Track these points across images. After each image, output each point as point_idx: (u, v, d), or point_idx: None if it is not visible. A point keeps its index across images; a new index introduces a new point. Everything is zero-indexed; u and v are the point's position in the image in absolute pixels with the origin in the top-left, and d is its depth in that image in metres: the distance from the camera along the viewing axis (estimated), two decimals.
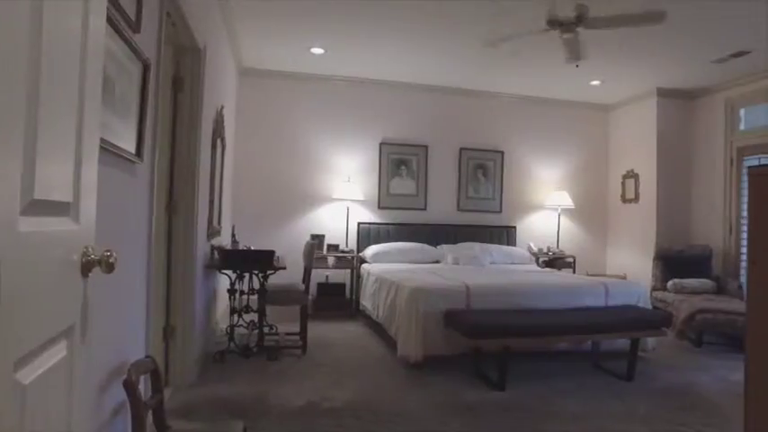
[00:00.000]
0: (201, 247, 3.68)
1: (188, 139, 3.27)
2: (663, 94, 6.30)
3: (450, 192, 6.66)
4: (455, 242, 6.34)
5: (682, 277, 5.59)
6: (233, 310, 3.96)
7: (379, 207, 6.41)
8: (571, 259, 6.59)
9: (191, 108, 3.28)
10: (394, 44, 5.20)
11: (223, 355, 3.87)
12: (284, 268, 3.94)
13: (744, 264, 5.74)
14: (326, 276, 6.06)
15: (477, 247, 6.13)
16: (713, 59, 5.25)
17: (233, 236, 4.24)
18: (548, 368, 3.93)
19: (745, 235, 5.74)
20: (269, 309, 4.12)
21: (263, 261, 3.87)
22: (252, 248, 4.53)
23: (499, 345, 3.34)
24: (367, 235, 6.25)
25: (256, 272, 4.04)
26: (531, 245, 6.62)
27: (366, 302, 5.37)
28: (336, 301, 5.83)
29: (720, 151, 6.06)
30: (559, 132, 7.05)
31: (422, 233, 6.38)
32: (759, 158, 5.66)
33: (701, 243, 6.08)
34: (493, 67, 5.81)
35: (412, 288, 3.89)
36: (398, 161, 6.47)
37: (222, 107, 4.33)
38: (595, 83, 6.16)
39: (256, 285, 4.04)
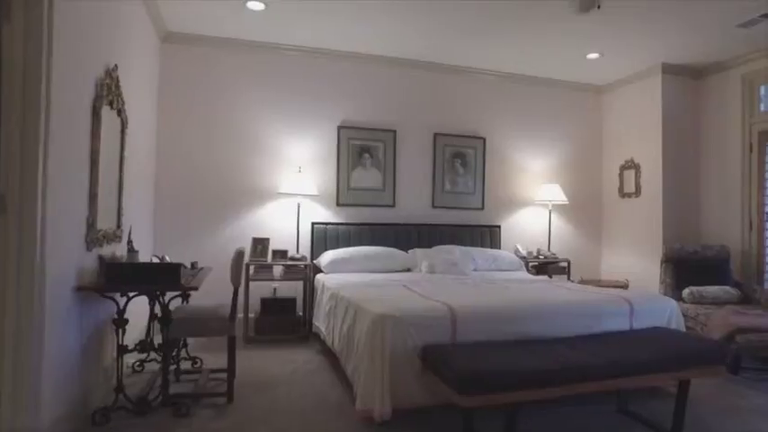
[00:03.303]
0: (70, 261, 2.51)
1: (22, 98, 2.10)
2: (669, 70, 5.39)
3: (423, 185, 5.60)
4: (430, 245, 5.29)
5: (697, 284, 4.69)
6: (120, 349, 2.78)
7: (338, 204, 5.29)
8: (565, 264, 5.62)
9: (26, 50, 2.10)
10: (355, 4, 4.11)
11: (107, 413, 2.69)
12: (195, 289, 2.78)
13: None
14: (274, 289, 4.92)
15: (456, 251, 5.09)
16: (739, 23, 4.35)
17: (129, 242, 3.06)
18: (562, 420, 2.91)
19: None
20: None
21: (164, 279, 2.71)
22: (163, 260, 3.36)
23: (504, 401, 2.28)
24: (323, 238, 5.13)
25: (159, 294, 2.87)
26: (519, 247, 5.63)
27: (320, 324, 4.26)
28: (284, 320, 4.68)
29: (737, 136, 5.18)
30: (549, 116, 6.08)
31: (390, 235, 5.30)
32: None
33: (715, 243, 5.20)
34: (473, 37, 4.80)
35: (376, 315, 2.79)
36: (361, 148, 5.37)
37: (116, 67, 3.14)
38: (593, 56, 5.19)
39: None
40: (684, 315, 4.39)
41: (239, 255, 3.21)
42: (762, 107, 5.07)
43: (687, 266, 4.89)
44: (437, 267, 4.77)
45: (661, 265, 5.05)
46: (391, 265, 4.87)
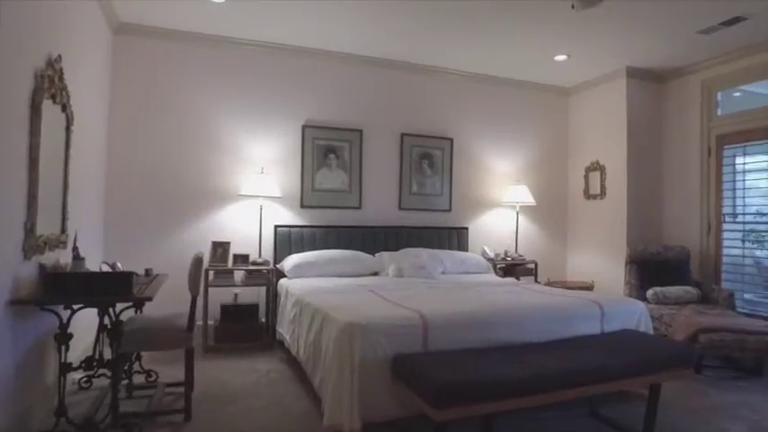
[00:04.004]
0: (3, 271, 2.27)
1: None
2: (633, 74, 5.46)
3: (390, 187, 5.49)
4: (397, 248, 5.18)
5: (660, 284, 4.76)
6: (63, 367, 2.54)
7: (302, 206, 5.12)
8: (532, 265, 5.61)
9: None
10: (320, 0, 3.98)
11: None
12: (149, 299, 2.57)
13: (726, 267, 5.01)
14: (235, 295, 4.70)
15: (424, 254, 4.99)
16: (699, 29, 4.42)
17: (74, 248, 2.81)
18: (536, 426, 2.85)
19: (726, 234, 5.01)
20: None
21: (114, 288, 2.49)
22: (114, 267, 3.12)
23: (479, 412, 2.19)
24: (287, 241, 4.94)
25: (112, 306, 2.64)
26: (486, 249, 5.59)
27: (284, 331, 4.08)
28: (246, 327, 4.47)
29: (696, 140, 5.29)
30: (517, 117, 6.07)
31: (356, 238, 5.16)
32: (744, 148, 4.93)
33: (676, 244, 5.29)
34: (441, 36, 4.72)
35: (344, 323, 2.65)
36: (326, 148, 5.21)
37: (59, 58, 2.89)
38: (561, 58, 5.20)
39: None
40: (651, 316, 4.45)
41: (198, 260, 3.01)
42: (719, 112, 5.19)
43: (650, 267, 4.95)
44: (405, 271, 4.66)
45: (625, 265, 5.10)
46: (358, 268, 4.73)
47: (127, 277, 2.53)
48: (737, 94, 5.20)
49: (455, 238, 5.61)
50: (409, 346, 2.63)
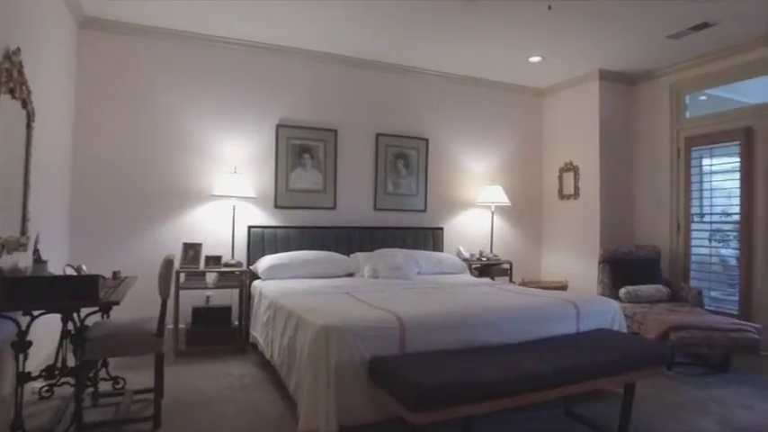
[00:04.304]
0: None
1: None
2: (605, 76, 5.54)
3: (365, 187, 5.44)
4: (372, 249, 5.13)
5: (632, 283, 4.84)
6: (21, 377, 2.41)
7: (276, 206, 5.03)
8: (507, 265, 5.65)
9: None
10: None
11: None
12: (116, 303, 2.46)
13: (694, 266, 5.13)
14: (207, 298, 4.59)
15: (400, 254, 4.96)
16: (669, 34, 4.51)
17: (35, 251, 2.68)
18: (513, 426, 2.84)
19: (694, 234, 5.12)
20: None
21: (78, 292, 2.38)
22: (80, 271, 2.99)
23: (457, 415, 2.16)
24: (260, 242, 4.85)
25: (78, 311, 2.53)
26: (462, 249, 5.60)
27: (257, 334, 3.99)
28: (218, 330, 4.36)
29: (666, 141, 5.41)
30: (492, 118, 6.10)
31: (331, 239, 5.10)
32: (711, 149, 5.05)
33: (647, 243, 5.39)
34: (417, 36, 4.70)
35: (319, 326, 2.60)
36: (301, 148, 5.13)
37: (18, 50, 2.75)
38: (535, 59, 5.23)
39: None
40: (624, 314, 4.51)
41: (168, 262, 2.91)
42: (687, 114, 5.31)
43: (622, 266, 5.03)
44: (380, 272, 4.62)
45: (599, 265, 5.17)
46: (333, 270, 4.67)
47: (92, 281, 2.42)
48: (703, 97, 5.33)
49: (430, 238, 5.60)
50: (386, 349, 2.60)
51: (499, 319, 2.98)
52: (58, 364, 2.68)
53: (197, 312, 4.35)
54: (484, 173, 6.02)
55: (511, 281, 5.55)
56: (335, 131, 5.26)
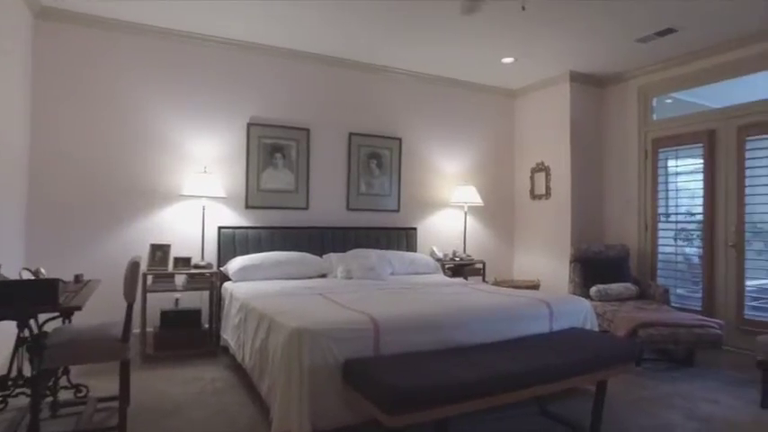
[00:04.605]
0: None
1: None
2: (576, 78, 5.63)
3: (337, 187, 5.39)
4: (345, 249, 5.10)
5: (602, 281, 4.92)
6: None
7: (247, 206, 4.94)
8: (480, 265, 5.68)
9: None
10: None
11: None
12: (78, 308, 2.36)
13: (661, 264, 5.25)
14: (176, 300, 4.47)
15: (373, 255, 4.93)
16: (637, 38, 4.61)
17: None
18: (488, 426, 2.84)
19: (661, 233, 5.25)
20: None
21: (35, 298, 2.26)
22: (38, 275, 2.86)
23: (433, 416, 2.14)
24: (231, 243, 4.75)
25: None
26: (435, 249, 5.60)
27: (229, 337, 3.91)
28: (188, 334, 4.25)
29: (634, 143, 5.53)
30: (465, 118, 6.13)
31: (303, 239, 5.04)
32: (676, 151, 5.18)
33: (617, 242, 5.50)
34: (390, 35, 4.68)
35: (292, 328, 2.55)
36: (273, 147, 5.05)
37: None
38: (508, 60, 5.28)
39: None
40: (595, 312, 4.59)
41: (134, 264, 2.81)
42: (654, 117, 5.44)
43: (593, 265, 5.12)
44: (354, 273, 4.59)
45: (570, 264, 5.25)
46: (305, 271, 4.61)
47: (51, 285, 2.31)
48: (669, 101, 5.47)
49: (404, 238, 5.59)
50: (360, 351, 2.56)
51: (473, 319, 2.98)
52: (13, 374, 2.54)
53: (165, 315, 4.23)
54: (457, 173, 6.05)
55: (484, 280, 5.59)
56: (308, 131, 5.19)
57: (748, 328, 4.41)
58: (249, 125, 4.93)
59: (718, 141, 4.78)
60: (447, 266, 5.48)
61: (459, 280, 4.96)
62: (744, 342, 4.38)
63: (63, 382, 3.03)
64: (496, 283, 5.42)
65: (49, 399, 2.82)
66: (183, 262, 4.42)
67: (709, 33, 4.48)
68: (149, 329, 4.17)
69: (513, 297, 3.57)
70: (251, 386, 3.23)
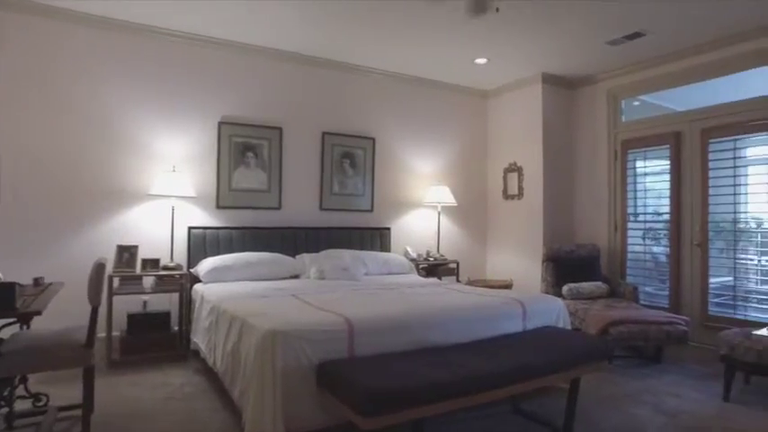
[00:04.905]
0: None
1: None
2: (548, 80, 5.70)
3: (310, 186, 5.33)
4: (318, 250, 5.05)
5: (573, 280, 4.99)
6: None
7: (218, 206, 4.84)
8: (454, 265, 5.70)
9: None
10: None
11: None
12: (37, 313, 2.25)
13: (630, 263, 5.36)
14: (144, 303, 4.34)
15: (346, 255, 4.90)
16: (607, 41, 4.69)
17: None
18: (463, 426, 2.84)
19: (630, 233, 5.35)
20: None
21: None
22: None
23: (409, 418, 2.12)
24: (201, 244, 4.64)
25: None
26: (409, 249, 5.60)
27: (199, 340, 3.81)
28: (157, 337, 4.13)
29: (604, 144, 5.63)
30: (438, 118, 6.14)
31: (275, 240, 4.96)
32: (644, 152, 5.30)
33: (588, 242, 5.59)
34: (364, 34, 4.65)
35: (265, 331, 2.49)
36: (244, 146, 4.96)
37: None
38: (481, 61, 5.31)
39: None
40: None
41: (99, 266, 2.71)
42: (623, 118, 5.55)
43: (564, 264, 5.19)
44: (327, 273, 4.54)
45: (542, 263, 5.31)
46: (278, 271, 4.54)
47: (7, 289, 2.20)
48: (637, 103, 5.60)
49: (377, 238, 5.57)
50: (334, 353, 2.52)
51: (448, 319, 2.97)
52: None
53: (133, 319, 4.10)
54: (430, 173, 6.05)
55: (458, 280, 5.61)
56: (280, 129, 5.12)
57: (712, 324, 4.54)
58: (220, 123, 4.83)
59: (683, 143, 4.91)
60: (421, 266, 5.48)
61: (434, 280, 4.97)
62: (708, 338, 4.51)
63: (21, 391, 2.88)
64: (470, 283, 5.44)
65: (4, 410, 2.68)
66: (152, 263, 4.30)
67: (675, 38, 4.59)
68: (116, 333, 4.04)
69: (487, 297, 3.58)
70: (222, 390, 3.16)
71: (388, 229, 5.71)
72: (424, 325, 2.85)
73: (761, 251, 4.44)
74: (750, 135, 4.48)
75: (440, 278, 5.32)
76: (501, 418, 2.98)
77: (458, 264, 5.73)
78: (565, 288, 4.87)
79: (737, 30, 4.36)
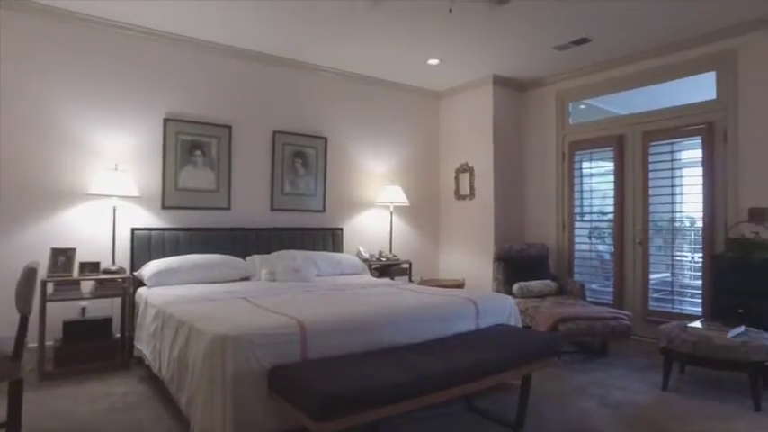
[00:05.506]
0: None
1: None
2: (499, 82, 5.81)
3: (261, 186, 5.21)
4: (269, 251, 4.94)
5: (523, 279, 5.10)
6: None
7: (164, 207, 4.64)
8: (407, 265, 5.71)
9: None
10: None
11: None
12: None
13: (577, 261, 5.53)
14: (82, 309, 4.10)
15: (298, 256, 4.81)
16: (555, 45, 4.83)
17: None
18: (418, 425, 2.83)
19: (577, 232, 5.53)
20: None
21: None
22: None
23: (363, 420, 2.09)
24: (146, 246, 4.44)
25: None
26: (361, 250, 5.56)
27: (143, 347, 3.63)
28: (96, 345, 3.91)
29: (552, 146, 5.79)
30: (391, 118, 6.14)
31: (225, 241, 4.81)
32: (590, 154, 5.49)
33: (537, 241, 5.73)
34: (316, 33, 4.59)
35: (214, 335, 2.39)
36: (192, 144, 4.78)
37: None
38: (434, 62, 5.34)
39: None
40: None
41: (30, 271, 2.51)
42: (570, 121, 5.73)
43: (515, 263, 5.29)
44: (278, 275, 4.43)
45: (493, 263, 5.40)
46: (227, 274, 4.39)
47: None
48: (583, 106, 5.79)
49: (330, 239, 5.50)
50: (287, 356, 2.45)
51: (402, 319, 2.95)
52: None
53: (69, 327, 3.86)
54: (383, 173, 6.04)
55: (410, 280, 5.62)
56: (230, 128, 4.97)
57: (652, 318, 4.76)
58: (166, 120, 4.63)
59: (626, 146, 5.12)
60: (374, 267, 5.46)
61: (386, 280, 4.95)
62: (649, 331, 4.72)
63: None
64: (423, 283, 5.47)
65: None
66: (91, 267, 4.06)
67: (619, 45, 4.78)
68: (50, 343, 3.79)
69: (439, 296, 3.59)
70: (169, 398, 3.02)
71: (341, 229, 5.65)
72: (377, 326, 2.82)
73: (694, 248, 4.69)
74: (685, 139, 4.73)
75: (392, 278, 5.31)
76: (456, 416, 2.99)
77: (410, 264, 5.75)
78: (515, 287, 4.97)
79: (678, 38, 4.59)
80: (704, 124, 4.53)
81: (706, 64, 4.55)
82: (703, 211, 4.54)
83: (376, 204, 5.90)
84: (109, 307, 4.13)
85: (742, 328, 3.47)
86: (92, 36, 4.29)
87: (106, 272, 4.09)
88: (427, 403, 2.30)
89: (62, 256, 3.95)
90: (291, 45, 4.91)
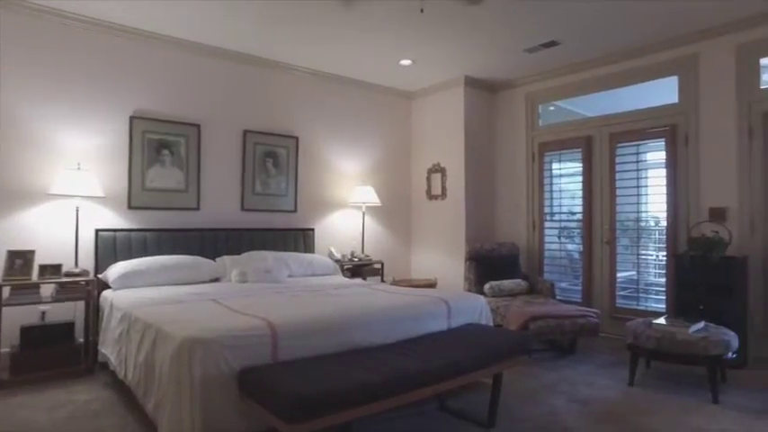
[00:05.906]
0: None
1: None
2: (470, 83, 5.85)
3: (231, 186, 5.12)
4: (240, 251, 4.86)
5: (495, 278, 5.16)
6: None
7: (130, 207, 4.51)
8: (379, 265, 5.70)
9: None
10: None
11: None
12: None
13: (547, 260, 5.62)
14: (42, 314, 3.95)
15: (269, 257, 4.75)
16: (525, 48, 4.90)
17: None
18: (390, 426, 2.82)
19: (546, 232, 5.62)
20: None
21: None
22: None
23: (335, 422, 2.07)
24: (111, 248, 4.31)
25: None
26: (333, 250, 5.53)
27: (108, 351, 3.53)
28: (57, 351, 3.76)
29: (523, 146, 5.87)
30: (363, 118, 6.12)
31: (194, 242, 4.71)
32: (560, 155, 5.58)
33: (508, 241, 5.80)
34: (287, 31, 4.54)
35: (182, 338, 2.33)
36: (159, 143, 4.67)
37: None
38: (406, 62, 5.35)
39: None
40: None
41: None
42: (540, 122, 5.82)
43: (486, 263, 5.34)
44: (249, 276, 4.37)
45: (465, 262, 5.44)
46: (196, 275, 4.30)
47: None
48: (552, 108, 5.90)
49: (301, 239, 5.45)
50: (257, 358, 2.41)
51: (374, 319, 2.94)
52: None
53: (27, 332, 3.70)
54: (355, 173, 6.02)
55: (382, 280, 5.61)
56: (198, 126, 4.87)
57: (619, 316, 4.88)
58: (132, 118, 4.51)
59: (594, 147, 5.23)
60: (346, 267, 5.43)
61: (359, 281, 4.93)
62: (616, 328, 4.82)
63: None
64: (395, 283, 5.47)
65: None
66: (52, 270, 3.91)
67: (586, 48, 4.88)
68: (6, 350, 3.64)
69: (411, 296, 3.60)
70: (135, 404, 2.95)
71: (312, 229, 5.61)
72: (349, 326, 2.80)
73: (658, 247, 4.83)
74: (650, 141, 4.86)
75: (365, 279, 5.30)
76: (428, 415, 3.00)
77: (382, 264, 5.74)
78: (486, 286, 5.02)
79: (644, 43, 4.70)
80: (668, 127, 4.67)
81: (669, 68, 4.69)
82: (667, 211, 4.67)
83: (348, 204, 5.88)
84: (72, 311, 3.99)
85: (702, 324, 3.58)
86: (54, 31, 4.14)
87: (68, 274, 3.95)
88: (399, 403, 2.30)
89: (19, 259, 3.80)
90: (263, 44, 4.85)
